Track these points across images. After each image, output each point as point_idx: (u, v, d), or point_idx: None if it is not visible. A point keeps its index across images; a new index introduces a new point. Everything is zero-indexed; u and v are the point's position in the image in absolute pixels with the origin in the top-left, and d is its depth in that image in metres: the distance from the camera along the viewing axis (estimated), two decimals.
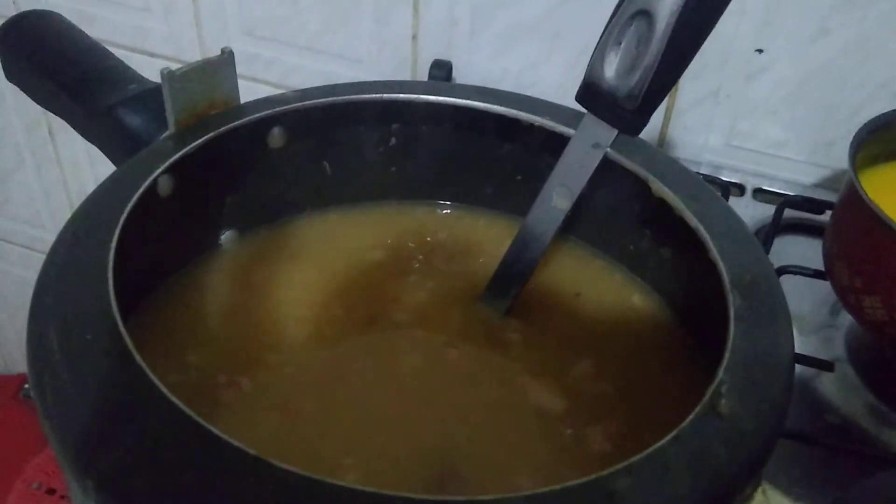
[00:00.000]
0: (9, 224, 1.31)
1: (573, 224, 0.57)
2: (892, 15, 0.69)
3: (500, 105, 0.55)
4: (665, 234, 0.50)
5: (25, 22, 0.58)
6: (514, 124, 0.56)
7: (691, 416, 0.34)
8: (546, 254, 0.53)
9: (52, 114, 0.58)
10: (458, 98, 0.56)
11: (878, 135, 0.62)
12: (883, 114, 0.63)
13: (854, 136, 0.61)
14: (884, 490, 0.32)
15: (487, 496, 0.30)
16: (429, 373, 0.49)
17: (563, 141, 0.51)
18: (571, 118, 0.53)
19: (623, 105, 0.46)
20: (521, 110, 0.55)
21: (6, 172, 1.24)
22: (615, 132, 0.47)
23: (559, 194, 0.50)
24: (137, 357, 0.35)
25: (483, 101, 0.55)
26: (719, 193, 0.74)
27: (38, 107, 0.58)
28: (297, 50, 0.91)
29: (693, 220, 0.46)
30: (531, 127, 0.55)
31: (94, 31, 0.96)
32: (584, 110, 0.49)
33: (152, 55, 0.97)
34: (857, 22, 0.70)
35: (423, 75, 0.86)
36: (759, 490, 0.33)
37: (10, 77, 0.59)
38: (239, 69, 0.94)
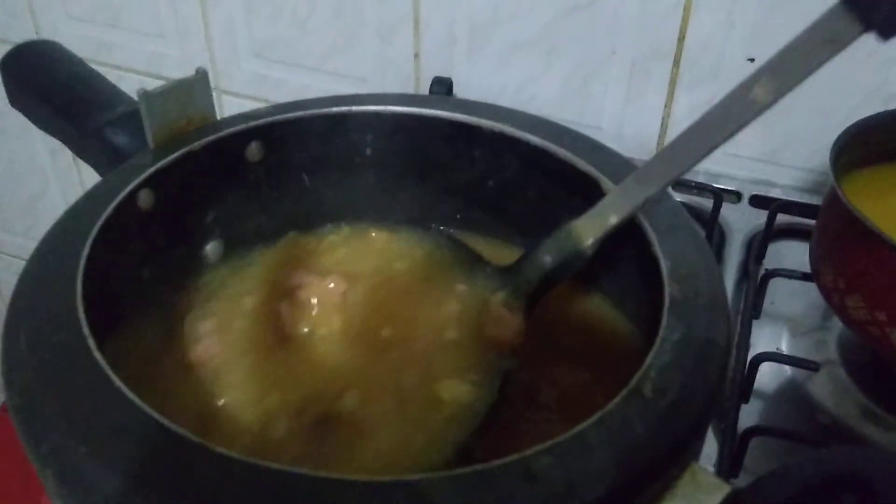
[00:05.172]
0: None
1: (531, 233, 0.55)
2: None
3: (471, 115, 0.55)
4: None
5: (26, 52, 0.60)
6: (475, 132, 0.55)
7: (616, 399, 0.35)
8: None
9: None
10: (424, 109, 0.55)
11: (860, 138, 0.62)
12: (863, 118, 0.63)
13: (835, 141, 0.61)
14: (803, 471, 0.32)
15: (411, 476, 0.31)
16: None
17: (541, 154, 0.52)
18: (554, 134, 0.53)
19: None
20: (490, 120, 0.55)
21: (33, 197, 1.26)
22: (860, 29, 0.38)
23: (763, 86, 0.42)
24: (97, 354, 0.36)
25: (451, 112, 0.55)
26: (712, 201, 0.75)
27: None
28: (305, 71, 0.94)
29: (639, 217, 0.46)
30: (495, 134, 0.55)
31: (112, 58, 1.00)
32: None
33: (168, 80, 0.99)
34: None
35: (425, 92, 0.87)
36: (689, 471, 0.34)
37: (14, 103, 0.61)
38: (248, 90, 0.98)
